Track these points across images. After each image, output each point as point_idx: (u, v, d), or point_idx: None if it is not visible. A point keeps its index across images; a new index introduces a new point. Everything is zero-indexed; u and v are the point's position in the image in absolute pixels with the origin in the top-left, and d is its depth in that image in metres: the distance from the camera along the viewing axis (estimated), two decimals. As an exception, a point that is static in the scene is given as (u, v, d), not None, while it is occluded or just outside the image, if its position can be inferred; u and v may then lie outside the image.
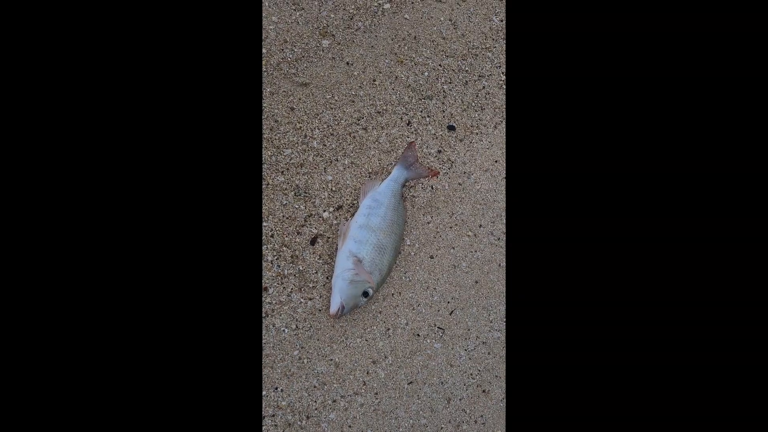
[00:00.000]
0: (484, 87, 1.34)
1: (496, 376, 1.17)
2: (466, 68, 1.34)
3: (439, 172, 1.25)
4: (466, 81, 1.34)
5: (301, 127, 1.23)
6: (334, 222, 1.18)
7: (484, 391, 1.16)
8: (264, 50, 1.24)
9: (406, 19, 1.34)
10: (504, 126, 1.32)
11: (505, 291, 1.21)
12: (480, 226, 1.25)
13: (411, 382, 1.14)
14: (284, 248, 1.15)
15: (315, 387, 1.10)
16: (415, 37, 1.34)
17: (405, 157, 1.22)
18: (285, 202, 1.18)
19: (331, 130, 1.24)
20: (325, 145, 1.23)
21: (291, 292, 1.13)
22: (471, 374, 1.17)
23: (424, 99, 1.30)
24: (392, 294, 1.18)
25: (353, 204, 1.20)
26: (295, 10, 1.28)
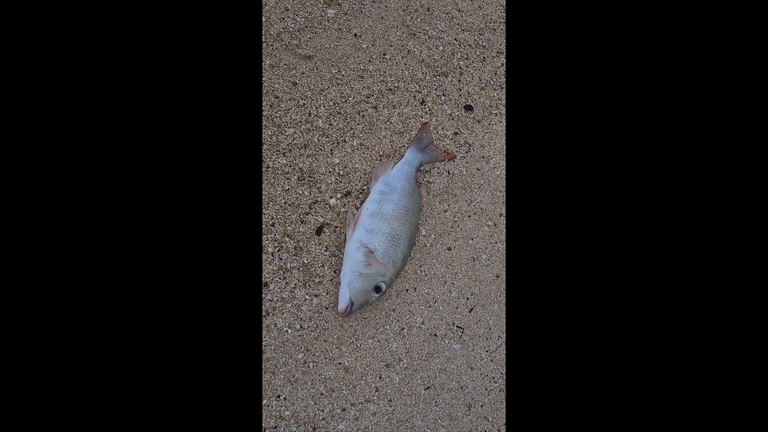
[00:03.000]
0: (503, 64, 1.23)
1: (521, 380, 1.06)
2: (484, 43, 1.23)
3: (456, 156, 1.14)
4: (484, 57, 1.22)
5: (304, 104, 1.10)
6: (342, 209, 1.06)
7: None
8: (263, 19, 1.12)
9: (418, -12, 1.22)
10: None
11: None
12: (501, 214, 1.14)
13: (428, 388, 1.03)
14: (287, 239, 1.03)
15: (322, 394, 0.98)
16: (428, 8, 1.22)
17: (419, 139, 1.10)
18: (287, 188, 1.05)
19: (337, 108, 1.12)
20: (331, 125, 1.11)
21: (294, 287, 1.01)
22: (493, 378, 1.06)
23: (438, 76, 1.19)
24: (406, 290, 1.06)
25: (363, 190, 1.08)
26: (297, -25, 1.16)
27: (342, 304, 0.97)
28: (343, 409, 0.99)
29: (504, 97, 1.21)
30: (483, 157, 1.16)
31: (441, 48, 1.21)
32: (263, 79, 1.09)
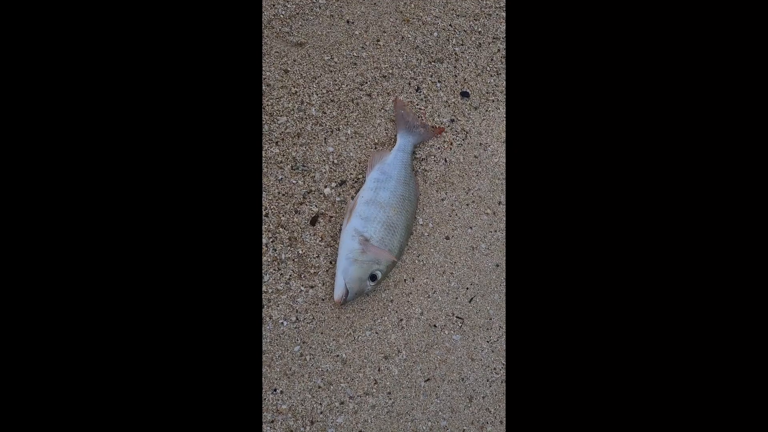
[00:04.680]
0: (499, 50, 1.20)
1: (523, 370, 1.04)
2: (479, 29, 1.21)
3: (444, 129, 1.12)
4: (480, 43, 1.20)
5: (297, 92, 1.08)
6: (337, 199, 1.04)
7: (509, 387, 1.03)
8: (253, 6, 1.10)
9: (411, -27, 1.20)
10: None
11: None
12: (499, 203, 1.11)
13: (428, 379, 1.01)
14: (281, 229, 1.01)
15: (319, 387, 0.96)
16: (422, -7, 1.19)
17: (401, 120, 1.08)
18: (281, 177, 1.03)
19: (331, 95, 1.09)
20: (324, 113, 1.08)
21: (290, 279, 0.99)
22: (495, 369, 1.04)
23: (434, 62, 1.16)
24: (404, 280, 1.04)
25: (358, 179, 1.06)
26: (287, -38, 1.13)
27: (338, 293, 0.95)
28: (342, 402, 0.97)
29: (500, 83, 1.18)
30: (480, 144, 1.14)
31: (436, 34, 1.18)
32: (254, 67, 1.07)
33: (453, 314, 1.05)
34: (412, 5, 1.19)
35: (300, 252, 1.01)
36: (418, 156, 1.10)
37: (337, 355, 0.98)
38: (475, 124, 1.15)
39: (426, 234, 1.07)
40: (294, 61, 1.09)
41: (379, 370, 0.99)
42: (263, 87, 1.06)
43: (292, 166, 1.04)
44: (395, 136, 1.09)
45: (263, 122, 1.05)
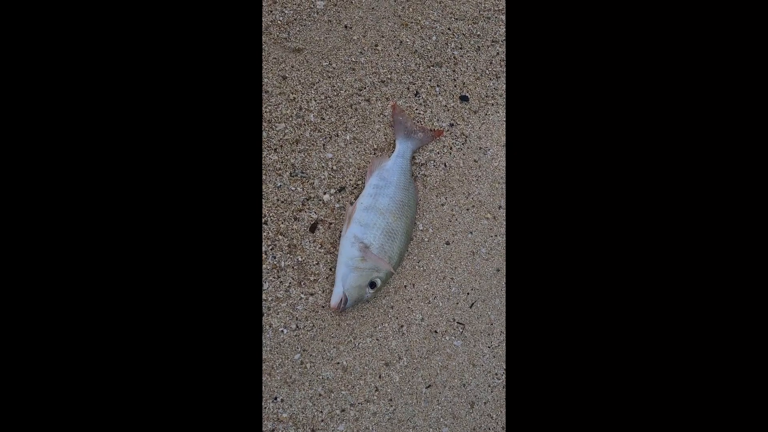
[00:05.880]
0: (498, 53, 1.20)
1: (525, 376, 1.03)
2: (478, 32, 1.20)
3: (442, 131, 1.11)
4: (479, 46, 1.19)
5: (295, 99, 1.07)
6: (336, 205, 1.03)
7: (511, 392, 1.03)
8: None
9: (409, -23, 1.20)
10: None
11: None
12: (500, 207, 1.11)
13: (429, 386, 1.00)
14: (280, 237, 1.00)
15: (320, 395, 0.95)
16: (420, -3, 1.19)
17: (400, 125, 1.08)
18: (279, 184, 1.03)
19: (329, 101, 1.09)
20: (323, 119, 1.08)
21: (289, 286, 0.98)
22: (496, 374, 1.03)
23: (432, 66, 1.16)
24: (405, 286, 1.03)
25: (357, 185, 1.05)
26: (284, -33, 1.13)
27: (335, 299, 0.95)
28: (343, 410, 0.96)
29: (500, 86, 1.18)
30: (480, 148, 1.13)
31: (434, 38, 1.18)
32: (252, 73, 1.07)
33: (454, 320, 1.04)
34: (411, 9, 1.18)
35: (299, 259, 1.00)
36: (417, 161, 1.09)
37: (338, 363, 0.98)
38: (474, 128, 1.14)
39: (426, 239, 1.07)
40: (292, 67, 1.09)
41: (380, 377, 0.99)
42: (262, 94, 1.06)
43: (290, 173, 1.04)
44: (394, 141, 1.08)
45: (262, 129, 1.05)
